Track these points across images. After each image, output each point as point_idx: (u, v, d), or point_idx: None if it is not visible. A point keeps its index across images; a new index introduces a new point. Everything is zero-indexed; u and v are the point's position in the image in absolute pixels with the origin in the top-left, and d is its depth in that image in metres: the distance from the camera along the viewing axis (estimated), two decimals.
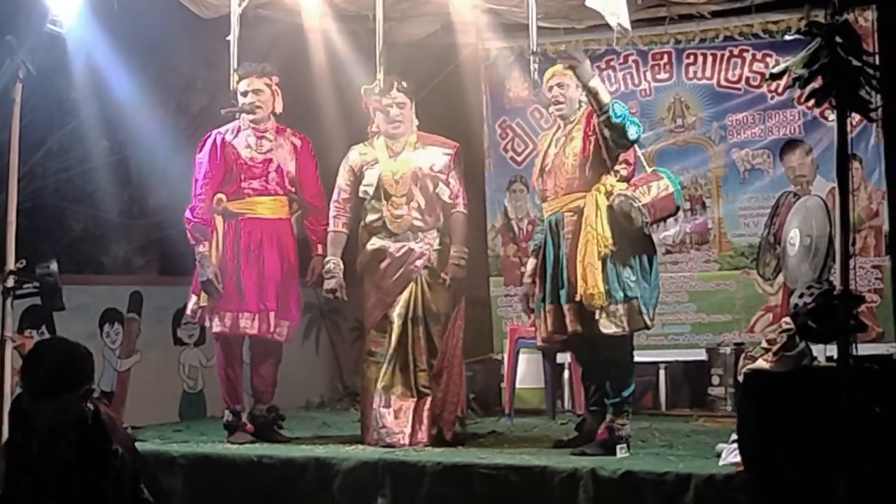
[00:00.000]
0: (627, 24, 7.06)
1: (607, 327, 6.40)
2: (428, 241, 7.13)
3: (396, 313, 7.04)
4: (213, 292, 7.07)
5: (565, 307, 6.52)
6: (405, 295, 7.07)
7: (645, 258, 6.52)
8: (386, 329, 7.07)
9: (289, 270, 7.32)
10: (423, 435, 6.96)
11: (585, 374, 6.98)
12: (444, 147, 7.27)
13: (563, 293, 6.53)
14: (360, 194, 7.20)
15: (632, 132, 6.37)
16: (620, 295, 6.37)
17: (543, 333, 6.73)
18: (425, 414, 6.99)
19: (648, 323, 6.49)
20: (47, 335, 7.97)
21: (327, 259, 7.21)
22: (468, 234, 7.31)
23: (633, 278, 6.42)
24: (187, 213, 7.16)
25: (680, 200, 6.68)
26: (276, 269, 7.23)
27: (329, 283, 7.17)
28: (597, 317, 6.38)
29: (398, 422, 6.94)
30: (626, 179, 6.59)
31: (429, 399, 7.01)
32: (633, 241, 6.47)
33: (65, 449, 4.35)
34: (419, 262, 7.09)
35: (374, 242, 7.15)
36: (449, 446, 6.85)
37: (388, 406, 6.97)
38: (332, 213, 7.29)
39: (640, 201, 6.38)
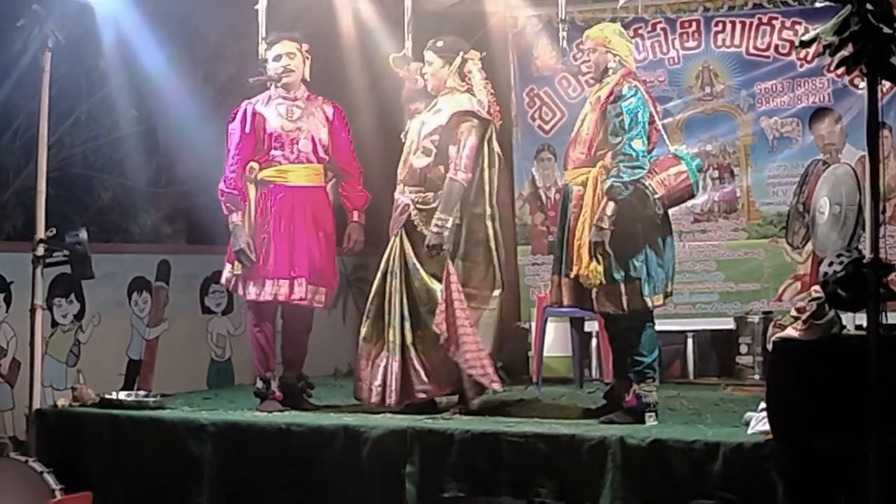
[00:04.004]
0: None
1: (605, 307, 6.40)
2: (411, 196, 7.05)
3: (379, 267, 7.09)
4: (246, 261, 7.11)
5: (563, 280, 6.54)
6: (387, 248, 7.08)
7: (659, 240, 6.46)
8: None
9: (325, 237, 7.33)
10: (392, 396, 6.90)
11: (611, 342, 6.97)
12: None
13: (563, 266, 6.54)
14: None
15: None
16: (622, 275, 6.32)
17: (552, 298, 6.78)
18: (394, 375, 6.91)
19: (650, 304, 6.40)
20: (76, 303, 8.03)
21: None
22: (454, 203, 6.88)
23: (641, 258, 6.35)
24: (220, 185, 7.20)
25: (697, 189, 6.58)
26: (309, 236, 7.23)
27: None
28: (594, 295, 6.37)
29: (372, 378, 6.98)
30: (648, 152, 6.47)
31: (399, 358, 6.92)
32: (645, 223, 6.41)
33: None
34: (402, 217, 7.05)
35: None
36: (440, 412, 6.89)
37: (366, 361, 7.03)
38: None
39: (656, 193, 6.34)
